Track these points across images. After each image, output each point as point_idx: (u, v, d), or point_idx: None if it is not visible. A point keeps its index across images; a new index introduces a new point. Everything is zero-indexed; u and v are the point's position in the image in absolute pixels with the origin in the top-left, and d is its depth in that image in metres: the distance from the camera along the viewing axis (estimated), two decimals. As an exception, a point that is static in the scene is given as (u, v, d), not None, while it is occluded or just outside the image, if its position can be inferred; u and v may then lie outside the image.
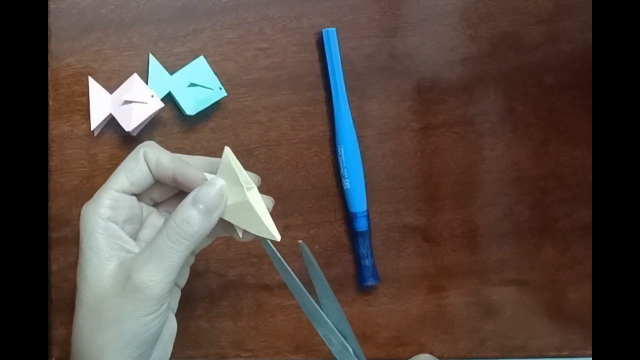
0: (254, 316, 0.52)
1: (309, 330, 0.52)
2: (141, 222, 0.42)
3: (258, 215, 0.38)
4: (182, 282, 0.44)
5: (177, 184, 0.40)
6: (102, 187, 0.40)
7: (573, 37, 0.52)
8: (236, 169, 0.38)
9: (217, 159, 0.40)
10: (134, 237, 0.41)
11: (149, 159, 0.40)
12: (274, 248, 0.39)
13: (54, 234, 0.50)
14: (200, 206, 0.38)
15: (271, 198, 0.42)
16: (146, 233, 0.42)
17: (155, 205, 0.43)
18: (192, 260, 0.44)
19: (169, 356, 0.42)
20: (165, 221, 0.39)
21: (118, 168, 0.40)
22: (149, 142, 0.41)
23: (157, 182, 0.41)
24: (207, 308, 0.51)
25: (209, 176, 0.39)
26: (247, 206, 0.38)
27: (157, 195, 0.42)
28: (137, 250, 0.40)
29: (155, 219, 0.42)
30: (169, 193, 0.43)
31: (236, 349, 0.52)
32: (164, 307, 0.38)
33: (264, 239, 0.39)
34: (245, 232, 0.40)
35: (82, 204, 0.49)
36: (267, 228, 0.38)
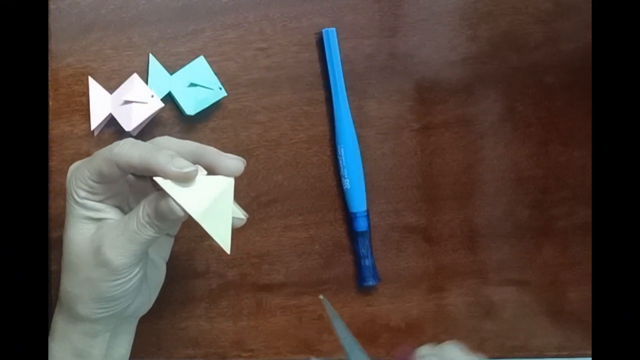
0: (254, 316, 0.52)
1: (309, 330, 0.52)
2: (127, 192, 0.43)
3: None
4: (167, 253, 0.46)
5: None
6: (83, 166, 0.40)
7: (573, 37, 0.52)
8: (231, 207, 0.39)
9: (203, 146, 0.41)
10: (123, 205, 0.43)
11: (120, 164, 0.39)
12: (332, 308, 0.42)
13: (54, 234, 0.50)
14: (159, 213, 0.39)
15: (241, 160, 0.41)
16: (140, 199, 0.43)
17: None
18: (174, 233, 0.46)
19: (153, 301, 0.46)
20: (138, 206, 0.40)
21: (95, 158, 0.39)
22: (123, 143, 0.39)
23: None
24: (207, 308, 0.51)
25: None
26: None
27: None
28: (113, 216, 0.41)
29: (141, 185, 0.43)
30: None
31: (236, 349, 0.52)
32: (132, 274, 0.41)
33: (325, 301, 0.42)
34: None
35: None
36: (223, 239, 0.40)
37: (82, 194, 0.40)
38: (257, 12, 0.50)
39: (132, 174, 0.42)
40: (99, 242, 0.40)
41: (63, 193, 0.50)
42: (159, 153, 0.38)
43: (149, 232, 0.39)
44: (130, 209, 0.43)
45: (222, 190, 0.39)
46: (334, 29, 0.50)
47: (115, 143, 0.39)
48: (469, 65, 0.52)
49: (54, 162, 0.50)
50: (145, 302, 0.45)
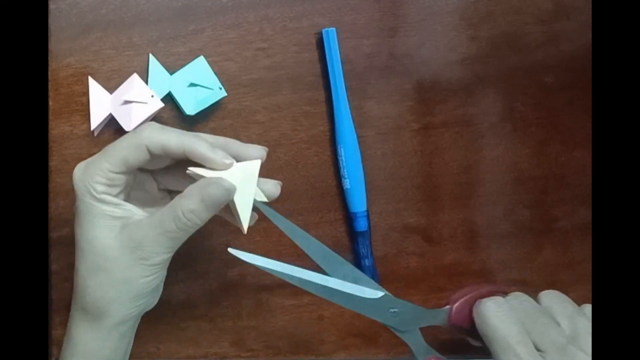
0: (254, 316, 0.52)
1: (309, 330, 0.52)
2: (132, 185, 0.43)
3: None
4: None
5: (187, 157, 0.41)
6: (99, 160, 0.40)
7: (573, 37, 0.52)
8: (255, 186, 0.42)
9: (223, 138, 0.43)
10: (127, 198, 0.43)
11: (152, 148, 0.40)
12: (271, 209, 0.42)
13: (54, 234, 0.50)
14: (208, 202, 0.40)
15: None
16: (139, 195, 0.44)
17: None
18: None
19: (161, 291, 0.46)
20: (173, 204, 0.40)
21: (117, 148, 0.40)
22: (150, 127, 0.40)
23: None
24: (207, 308, 0.51)
25: (221, 174, 0.41)
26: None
27: (150, 166, 0.43)
28: (134, 211, 0.41)
29: (142, 178, 0.44)
30: (162, 164, 0.43)
31: (236, 349, 0.52)
32: (165, 267, 0.42)
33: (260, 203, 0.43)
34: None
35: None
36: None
37: (101, 188, 0.40)
38: (257, 12, 0.50)
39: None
40: (135, 242, 0.40)
41: (63, 193, 0.50)
42: (196, 140, 0.40)
43: (194, 226, 0.40)
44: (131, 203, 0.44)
45: (249, 173, 0.41)
46: (334, 29, 0.50)
47: (140, 128, 0.40)
48: (469, 65, 0.52)
49: (54, 162, 0.50)
50: (154, 300, 0.45)
